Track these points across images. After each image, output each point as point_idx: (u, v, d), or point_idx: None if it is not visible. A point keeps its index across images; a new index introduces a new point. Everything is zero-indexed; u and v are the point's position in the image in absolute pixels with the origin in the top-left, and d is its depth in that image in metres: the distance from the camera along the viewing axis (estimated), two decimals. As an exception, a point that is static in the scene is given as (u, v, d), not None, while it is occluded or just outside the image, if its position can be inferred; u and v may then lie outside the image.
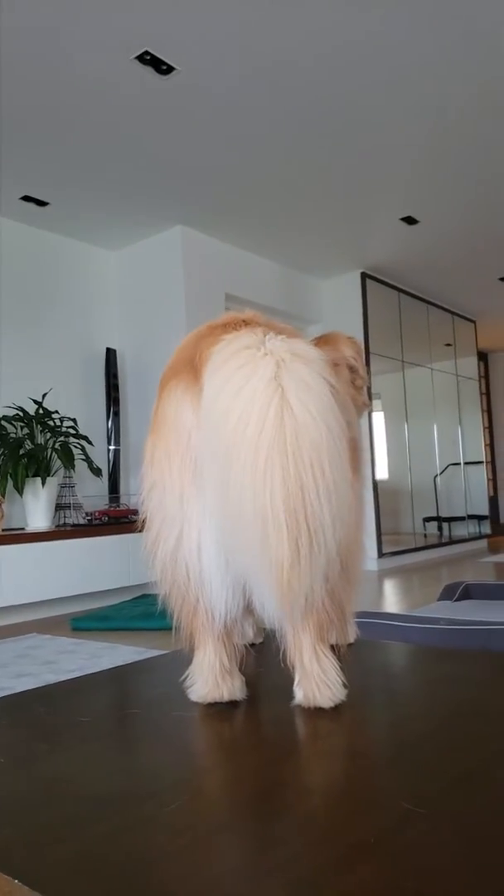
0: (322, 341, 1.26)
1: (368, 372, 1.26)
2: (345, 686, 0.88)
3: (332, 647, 0.91)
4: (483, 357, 10.47)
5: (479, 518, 8.43)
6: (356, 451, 1.10)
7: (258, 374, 0.74)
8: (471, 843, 0.52)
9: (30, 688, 1.04)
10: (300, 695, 0.87)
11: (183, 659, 1.02)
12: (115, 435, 5.45)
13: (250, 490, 0.72)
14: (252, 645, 1.19)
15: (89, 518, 4.95)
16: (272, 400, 0.72)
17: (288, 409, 0.72)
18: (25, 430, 4.76)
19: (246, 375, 0.74)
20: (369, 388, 1.31)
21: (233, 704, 0.89)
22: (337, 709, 0.85)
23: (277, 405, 0.72)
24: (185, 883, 0.48)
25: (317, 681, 0.87)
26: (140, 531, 0.92)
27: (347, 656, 1.11)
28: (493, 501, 10.33)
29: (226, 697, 0.90)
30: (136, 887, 0.48)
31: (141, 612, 4.04)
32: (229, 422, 0.73)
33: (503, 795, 0.60)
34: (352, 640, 1.20)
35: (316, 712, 0.84)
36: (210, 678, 0.91)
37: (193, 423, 0.84)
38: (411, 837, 0.53)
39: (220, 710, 0.88)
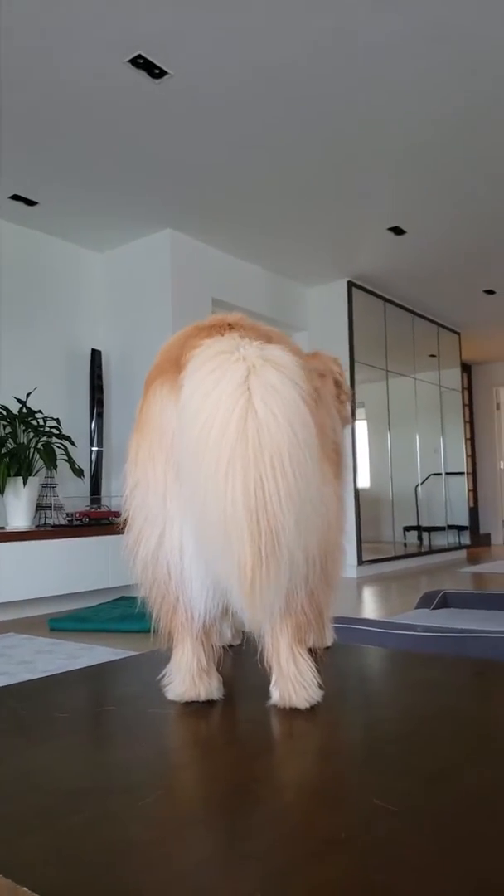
0: (308, 357, 1.28)
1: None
2: (320, 687, 0.89)
3: (310, 650, 0.92)
4: (467, 369, 10.56)
5: (459, 528, 8.49)
6: (340, 455, 1.11)
7: (227, 378, 0.75)
8: (438, 839, 0.53)
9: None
10: (276, 695, 0.88)
11: (160, 658, 1.02)
12: (97, 436, 5.44)
13: (213, 492, 0.73)
14: (230, 647, 1.19)
15: (70, 519, 4.93)
16: (237, 403, 0.73)
17: (252, 412, 0.73)
18: (8, 429, 4.73)
19: (216, 379, 0.75)
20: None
21: (209, 703, 0.90)
22: (312, 709, 0.86)
23: (242, 408, 0.73)
24: (156, 873, 0.48)
25: (293, 682, 0.87)
26: (122, 530, 0.93)
27: (324, 659, 1.12)
28: (473, 512, 10.40)
29: (202, 697, 0.91)
30: (109, 876, 0.48)
31: (119, 614, 4.03)
32: (197, 424, 0.75)
33: (471, 794, 0.61)
34: (329, 643, 1.22)
35: (291, 712, 0.85)
36: (187, 677, 0.92)
37: (177, 423, 0.85)
38: (381, 833, 0.54)
39: (196, 709, 0.88)
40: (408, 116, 3.90)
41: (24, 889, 0.47)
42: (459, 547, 8.37)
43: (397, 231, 5.51)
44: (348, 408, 1.31)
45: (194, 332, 0.90)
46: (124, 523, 0.92)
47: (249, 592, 0.72)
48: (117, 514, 4.95)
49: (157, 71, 3.43)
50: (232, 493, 0.72)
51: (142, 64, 3.37)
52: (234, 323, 0.89)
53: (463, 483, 8.67)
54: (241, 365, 0.76)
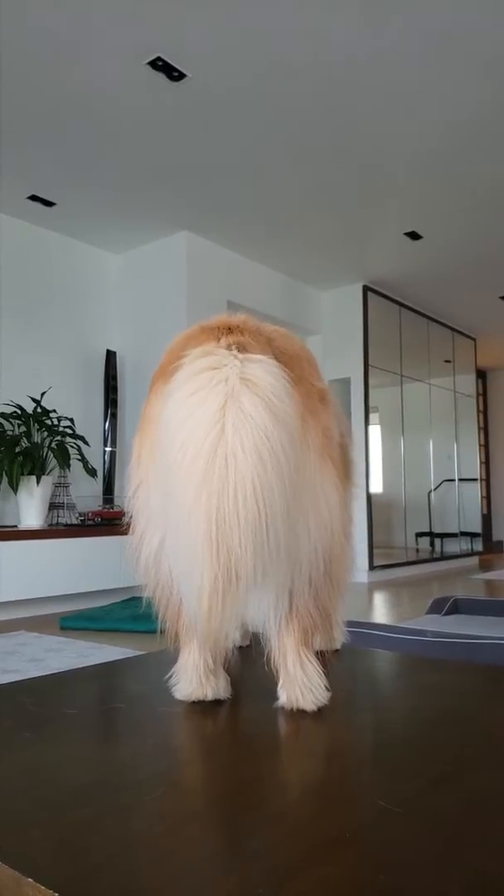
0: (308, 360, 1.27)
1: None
2: (327, 690, 0.89)
3: (317, 653, 0.92)
4: (482, 375, 10.51)
5: (472, 535, 8.45)
6: (347, 456, 1.11)
7: (206, 404, 0.76)
8: (443, 842, 0.53)
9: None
10: (283, 697, 0.88)
11: (169, 658, 1.03)
12: (111, 436, 5.46)
13: (182, 518, 0.74)
14: (239, 648, 1.20)
15: (82, 518, 4.96)
16: (210, 432, 0.74)
17: (224, 441, 0.74)
18: (22, 428, 4.76)
19: (195, 405, 0.76)
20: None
21: (216, 703, 0.90)
22: (319, 711, 0.86)
23: (215, 437, 0.74)
24: (160, 867, 0.49)
25: (300, 684, 0.88)
26: (126, 531, 0.93)
27: (332, 661, 1.12)
28: (486, 519, 10.35)
29: (209, 697, 0.91)
30: (113, 869, 0.49)
31: (129, 614, 4.04)
32: (174, 447, 0.76)
33: (476, 797, 0.61)
34: (338, 646, 1.21)
35: (297, 714, 0.85)
36: (194, 677, 0.92)
37: (159, 435, 0.85)
38: (385, 834, 0.54)
39: (203, 708, 0.89)
40: (425, 120, 3.90)
41: (29, 880, 0.47)
42: (472, 553, 8.33)
43: (414, 236, 5.50)
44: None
45: (196, 332, 0.90)
46: (129, 524, 0.92)
47: (206, 619, 0.74)
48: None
49: (175, 73, 3.45)
50: (196, 521, 0.73)
51: (161, 66, 3.39)
52: (236, 326, 0.88)
53: (476, 490, 8.63)
54: (221, 388, 0.77)
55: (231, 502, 0.73)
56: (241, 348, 0.83)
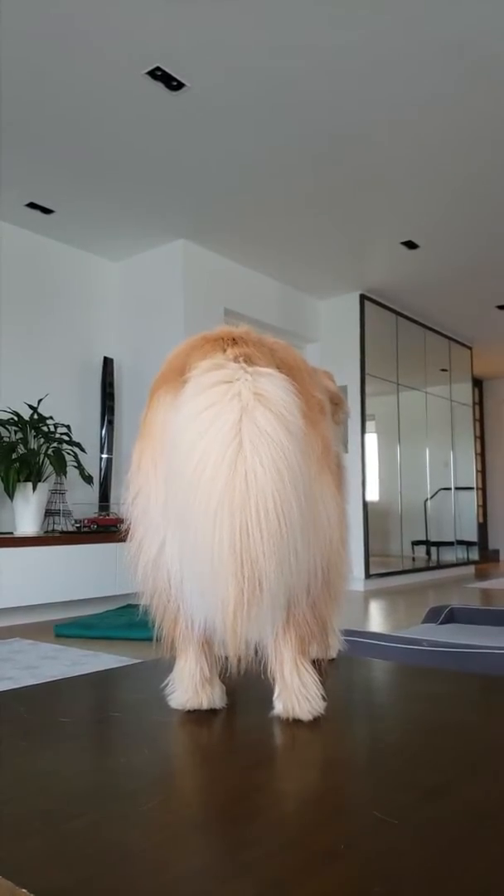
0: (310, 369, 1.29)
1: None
2: (324, 699, 0.89)
3: (313, 662, 0.92)
4: (478, 384, 10.54)
5: (468, 544, 8.45)
6: (341, 466, 1.12)
7: (222, 419, 0.77)
8: (438, 853, 0.53)
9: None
10: (280, 707, 0.88)
11: (164, 666, 1.02)
12: (108, 443, 5.46)
13: (203, 531, 0.75)
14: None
15: (78, 525, 4.95)
16: (228, 448, 0.75)
17: (242, 457, 0.75)
18: (19, 435, 4.76)
19: (210, 420, 0.77)
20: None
21: (212, 712, 0.90)
22: (315, 721, 0.86)
23: (233, 453, 0.75)
24: (155, 878, 0.49)
25: (296, 694, 0.88)
26: (125, 539, 0.93)
27: (328, 670, 1.12)
28: (483, 528, 10.35)
29: (205, 705, 0.91)
30: (107, 880, 0.48)
31: (125, 621, 4.03)
32: (191, 463, 0.76)
33: (472, 808, 0.61)
34: (334, 654, 1.21)
35: (294, 723, 0.85)
36: (190, 686, 0.92)
37: (172, 451, 0.85)
38: (381, 845, 0.54)
39: (199, 717, 0.88)
40: (422, 131, 3.92)
41: (23, 891, 0.47)
42: (468, 562, 8.33)
43: (410, 245, 5.52)
44: (344, 429, 1.32)
45: (200, 342, 0.90)
46: (127, 531, 0.92)
47: (231, 629, 0.75)
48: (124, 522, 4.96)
49: (174, 83, 3.46)
50: (220, 534, 0.74)
51: (160, 76, 3.41)
52: (240, 337, 0.89)
53: (472, 498, 8.63)
54: (236, 404, 0.78)
55: (254, 517, 0.74)
56: (249, 360, 0.84)
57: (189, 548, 0.79)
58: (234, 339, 0.88)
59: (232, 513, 0.74)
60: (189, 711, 0.90)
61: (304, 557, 0.84)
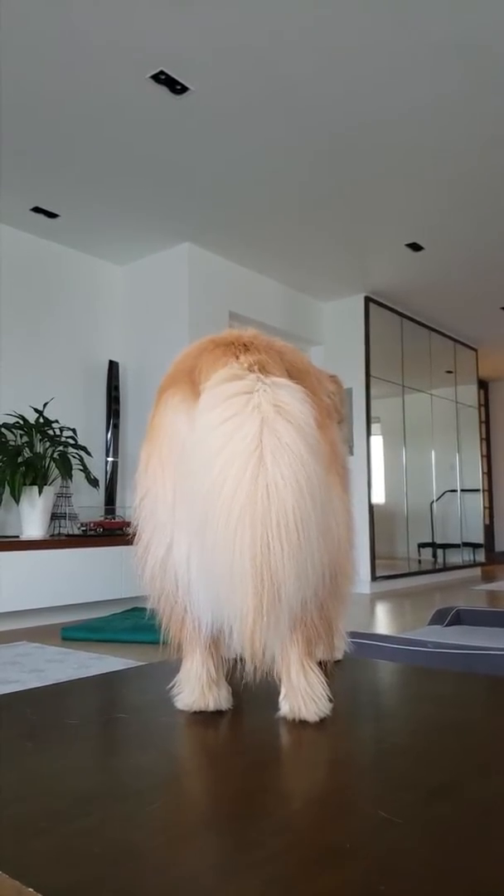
0: (317, 371, 1.28)
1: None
2: (330, 700, 0.89)
3: (319, 663, 0.92)
4: (483, 385, 10.52)
5: (474, 546, 8.43)
6: (346, 469, 1.12)
7: (243, 431, 0.77)
8: (443, 852, 0.53)
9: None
10: (286, 708, 0.88)
11: (171, 668, 1.03)
12: (113, 447, 5.47)
13: (223, 541, 0.76)
14: (241, 658, 1.19)
15: (84, 528, 4.96)
16: (250, 460, 0.76)
17: (263, 469, 0.76)
18: (25, 439, 4.77)
19: (229, 433, 0.77)
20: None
21: (218, 713, 0.90)
22: (321, 721, 0.86)
23: (255, 466, 0.76)
24: (161, 877, 0.49)
25: (303, 695, 0.88)
26: (132, 541, 0.94)
27: (334, 672, 1.12)
28: (489, 530, 10.33)
29: (211, 707, 0.91)
30: (113, 879, 0.49)
31: (131, 624, 4.03)
32: (211, 474, 0.77)
33: (476, 808, 0.61)
34: (340, 656, 1.21)
35: (299, 724, 0.85)
36: (196, 687, 0.92)
37: (188, 434, 0.85)
38: (386, 845, 0.54)
39: (205, 718, 0.88)
40: (426, 131, 3.92)
41: (30, 890, 0.47)
42: (474, 564, 8.31)
43: (415, 247, 5.52)
44: (344, 429, 1.32)
45: (209, 346, 0.90)
46: (134, 533, 0.92)
47: (249, 638, 0.76)
48: (131, 525, 4.97)
49: (178, 87, 3.48)
50: (240, 545, 0.75)
51: (164, 80, 3.42)
52: (250, 341, 0.89)
53: (478, 500, 8.62)
54: (256, 416, 0.78)
55: (274, 530, 0.75)
56: (263, 369, 0.84)
57: (207, 558, 0.79)
58: (245, 345, 0.89)
59: (253, 525, 0.74)
60: (195, 712, 0.90)
61: (318, 566, 0.84)
